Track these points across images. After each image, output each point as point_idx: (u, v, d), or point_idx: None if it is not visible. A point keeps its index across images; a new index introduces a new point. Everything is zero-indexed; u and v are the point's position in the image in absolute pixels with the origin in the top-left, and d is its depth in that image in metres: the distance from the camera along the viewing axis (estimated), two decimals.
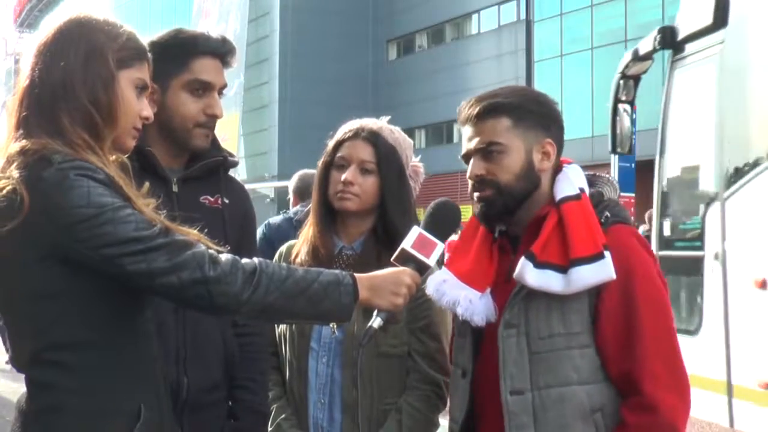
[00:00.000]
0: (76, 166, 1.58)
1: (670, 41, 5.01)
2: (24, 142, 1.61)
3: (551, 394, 1.85)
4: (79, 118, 1.64)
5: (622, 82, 5.46)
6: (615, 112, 5.49)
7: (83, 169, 1.58)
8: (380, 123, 2.33)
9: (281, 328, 2.31)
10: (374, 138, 2.26)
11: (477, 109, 1.95)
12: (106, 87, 1.66)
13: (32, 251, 1.57)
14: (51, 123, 1.63)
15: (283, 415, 2.26)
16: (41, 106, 1.64)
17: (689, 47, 4.90)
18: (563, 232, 1.85)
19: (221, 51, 2.25)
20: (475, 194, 1.98)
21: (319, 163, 2.32)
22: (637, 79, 5.44)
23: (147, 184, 1.76)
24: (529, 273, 1.84)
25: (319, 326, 2.22)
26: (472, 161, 1.97)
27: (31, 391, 1.65)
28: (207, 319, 2.22)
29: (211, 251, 1.63)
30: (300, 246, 2.31)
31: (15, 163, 1.58)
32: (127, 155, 1.76)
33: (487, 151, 1.93)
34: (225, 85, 2.27)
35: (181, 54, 2.18)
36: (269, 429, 2.28)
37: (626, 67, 5.44)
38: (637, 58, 5.32)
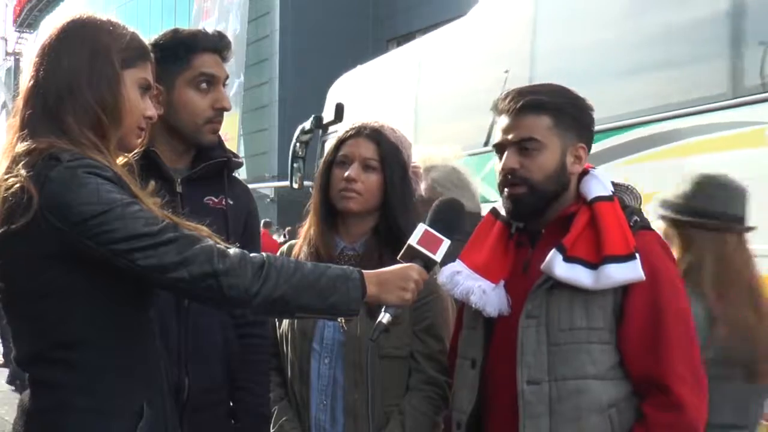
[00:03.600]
0: (85, 164, 1.58)
1: (320, 124, 8.74)
2: (30, 142, 1.61)
3: (568, 386, 1.86)
4: (85, 118, 1.65)
5: (297, 144, 9.12)
6: (293, 164, 9.16)
7: (91, 167, 1.59)
8: (381, 122, 2.33)
9: (283, 329, 2.31)
10: (377, 136, 2.25)
11: (520, 103, 1.95)
12: (111, 87, 1.67)
13: (40, 250, 1.58)
14: (56, 122, 1.63)
15: (285, 417, 2.26)
16: (46, 106, 1.64)
17: (330, 129, 8.44)
18: (596, 230, 1.87)
19: (219, 46, 2.26)
20: (506, 190, 1.98)
21: (320, 162, 2.32)
22: (306, 143, 9.10)
23: (152, 183, 1.77)
24: (558, 266, 1.86)
25: (321, 328, 2.22)
26: (506, 153, 1.97)
27: (34, 389, 1.66)
28: (208, 320, 2.22)
29: (219, 245, 1.63)
30: (300, 246, 2.31)
31: (22, 162, 1.59)
32: (131, 155, 1.77)
33: (523, 147, 1.94)
34: (227, 76, 2.28)
35: (182, 52, 2.19)
36: (272, 430, 2.27)
37: (298, 137, 9.07)
38: (303, 132, 8.96)
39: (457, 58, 6.82)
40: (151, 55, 1.78)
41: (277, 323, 2.35)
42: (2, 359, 9.80)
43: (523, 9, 5.91)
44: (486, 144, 5.69)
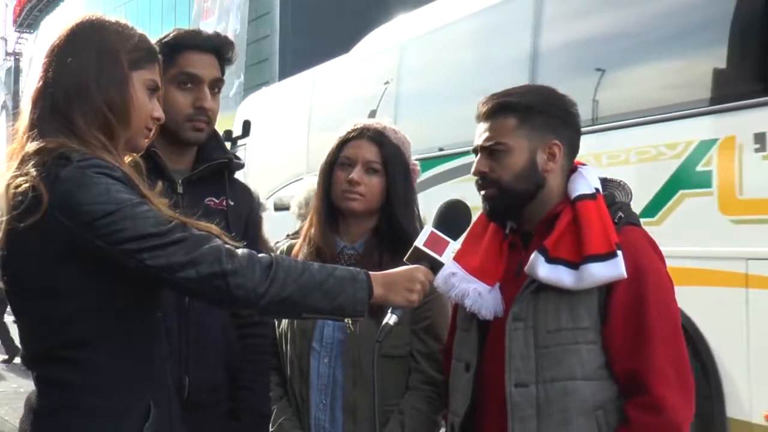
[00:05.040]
0: (95, 164, 1.59)
1: (230, 138, 9.71)
2: (40, 141, 1.62)
3: (556, 388, 1.86)
4: (94, 119, 1.65)
5: None
6: None
7: (101, 167, 1.59)
8: (383, 123, 2.33)
9: (282, 328, 2.31)
10: (379, 138, 2.26)
11: (488, 107, 1.98)
12: (119, 88, 1.68)
13: (48, 249, 1.58)
14: (65, 123, 1.64)
15: (284, 416, 2.26)
16: (55, 107, 1.65)
17: (239, 142, 10.00)
18: (578, 230, 1.87)
19: (211, 45, 2.26)
20: (481, 192, 2.01)
21: (322, 163, 2.33)
22: None
23: (160, 184, 1.78)
24: (540, 267, 1.86)
25: (321, 326, 2.22)
26: (477, 157, 2.00)
27: (42, 388, 1.66)
28: (210, 320, 2.22)
29: (228, 246, 1.64)
30: (300, 245, 2.31)
31: (32, 162, 1.59)
32: (137, 155, 1.78)
33: (492, 150, 1.96)
34: (217, 79, 2.26)
35: (169, 51, 2.19)
36: (271, 429, 2.28)
37: None
38: None
39: (341, 81, 8.72)
40: (159, 56, 1.79)
41: (276, 322, 2.35)
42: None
43: (394, 43, 7.79)
44: None
